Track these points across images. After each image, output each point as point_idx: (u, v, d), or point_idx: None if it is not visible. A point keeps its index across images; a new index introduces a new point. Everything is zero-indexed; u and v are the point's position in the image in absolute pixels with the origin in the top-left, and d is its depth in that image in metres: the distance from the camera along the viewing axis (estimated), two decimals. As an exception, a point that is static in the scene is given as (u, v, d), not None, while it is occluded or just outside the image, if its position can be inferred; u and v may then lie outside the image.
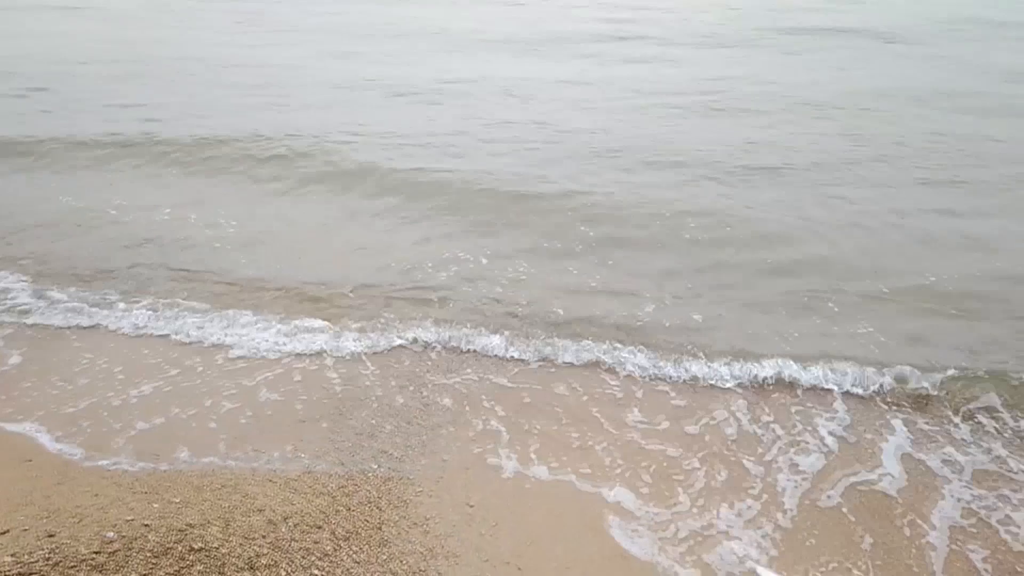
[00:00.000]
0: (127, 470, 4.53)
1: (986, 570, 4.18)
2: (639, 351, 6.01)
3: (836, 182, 9.57)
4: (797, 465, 4.91)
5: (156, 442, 4.85)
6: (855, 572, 4.14)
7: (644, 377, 5.74)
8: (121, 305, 6.52)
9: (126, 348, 5.99)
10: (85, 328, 6.24)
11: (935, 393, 5.59)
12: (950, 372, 5.76)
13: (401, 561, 3.89)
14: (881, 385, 5.64)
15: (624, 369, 5.82)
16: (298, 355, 5.91)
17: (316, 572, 3.77)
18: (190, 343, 6.05)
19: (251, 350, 5.94)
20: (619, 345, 6.09)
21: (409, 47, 19.39)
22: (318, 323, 6.31)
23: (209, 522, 4.04)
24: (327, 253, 7.70)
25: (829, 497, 4.66)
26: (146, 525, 4.00)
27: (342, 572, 3.78)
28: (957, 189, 9.38)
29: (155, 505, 4.17)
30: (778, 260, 7.57)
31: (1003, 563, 4.23)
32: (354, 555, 3.89)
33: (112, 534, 3.94)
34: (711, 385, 5.70)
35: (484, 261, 7.55)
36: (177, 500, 4.22)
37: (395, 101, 13.78)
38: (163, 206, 8.83)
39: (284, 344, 6.03)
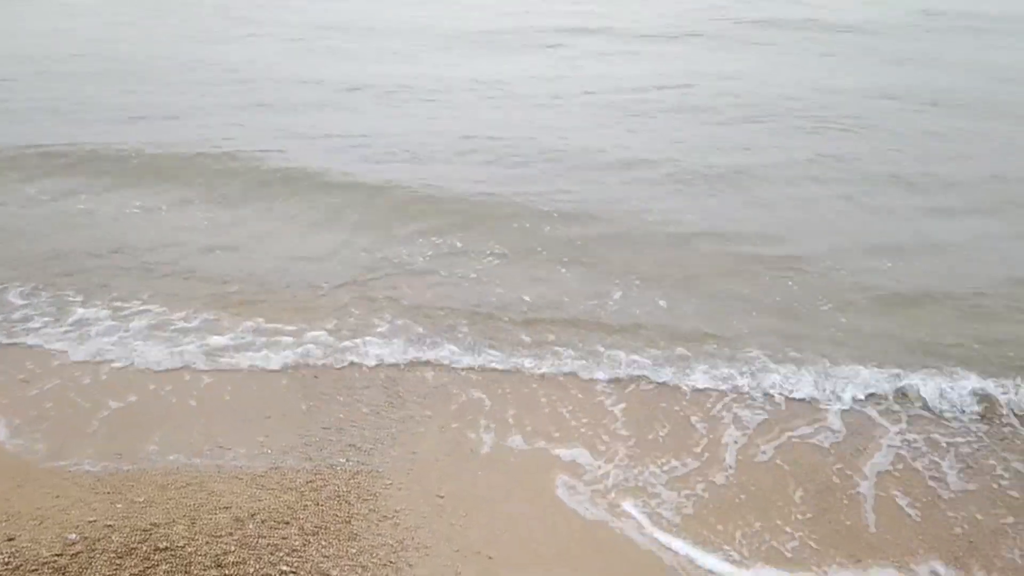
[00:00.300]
0: (89, 470, 4.44)
1: (915, 514, 4.41)
2: (609, 340, 6.07)
3: (803, 180, 9.63)
4: (742, 420, 5.20)
5: (119, 441, 4.75)
6: (785, 526, 4.30)
7: (616, 368, 5.78)
8: (79, 310, 6.37)
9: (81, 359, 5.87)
10: (35, 337, 6.08)
11: (890, 372, 5.75)
12: (906, 354, 5.97)
13: (371, 554, 3.87)
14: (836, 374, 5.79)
15: (600, 364, 5.85)
16: (265, 353, 5.83)
17: (284, 568, 3.73)
18: (152, 343, 5.94)
19: (217, 349, 5.86)
20: (588, 335, 6.14)
21: (376, 43, 19.17)
22: (287, 325, 6.24)
23: (174, 521, 3.98)
24: (291, 255, 7.55)
25: (764, 452, 4.88)
26: (109, 526, 3.93)
27: (311, 567, 3.74)
28: (926, 187, 9.43)
29: (118, 505, 4.10)
30: (742, 255, 7.62)
31: (929, 505, 4.49)
32: (323, 550, 3.86)
33: (74, 536, 3.87)
34: (675, 361, 5.82)
35: (452, 259, 7.52)
36: (141, 499, 4.15)
37: (360, 101, 13.47)
38: (124, 212, 8.64)
39: (250, 344, 5.95)
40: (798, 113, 12.63)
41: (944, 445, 5.01)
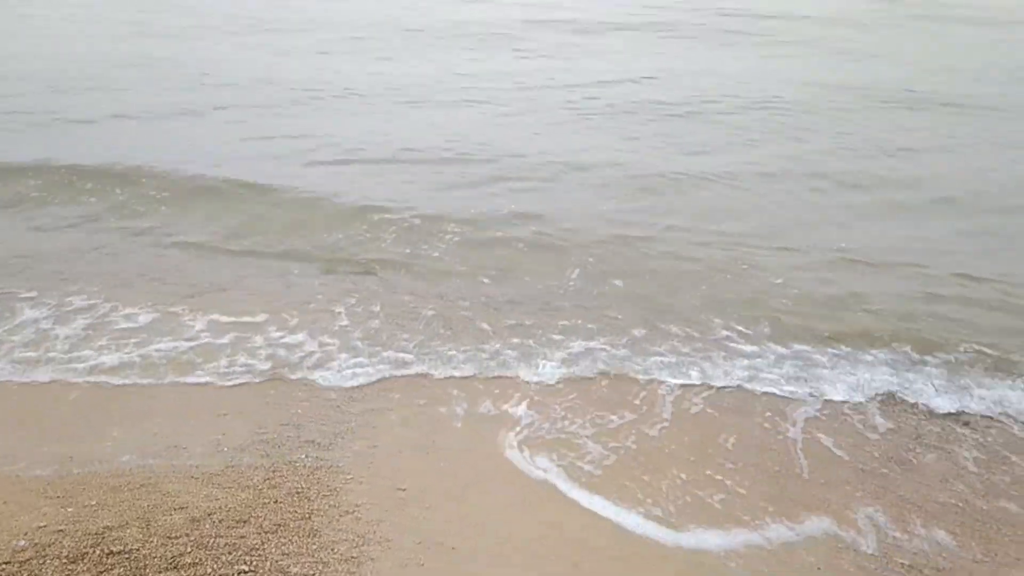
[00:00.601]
0: (38, 474, 4.31)
1: (840, 456, 4.74)
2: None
3: (760, 178, 9.69)
4: (683, 373, 5.54)
5: (70, 444, 4.62)
6: (716, 475, 4.51)
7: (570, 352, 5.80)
8: (28, 309, 6.20)
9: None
10: None
11: (830, 348, 5.99)
12: (846, 334, 6.17)
13: (332, 550, 3.81)
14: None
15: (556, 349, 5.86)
16: (227, 352, 5.72)
17: (243, 567, 3.66)
18: (107, 345, 5.80)
19: (174, 347, 5.73)
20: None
21: (329, 39, 18.82)
22: (247, 319, 6.13)
23: (127, 523, 3.89)
24: (250, 253, 7.45)
25: (696, 405, 5.20)
26: (60, 531, 3.82)
27: (270, 565, 3.68)
28: (880, 183, 9.58)
29: (69, 509, 3.99)
30: (698, 248, 7.72)
31: (855, 447, 4.82)
32: (282, 547, 3.79)
33: (23, 542, 3.76)
34: (632, 341, 5.93)
35: (411, 247, 7.48)
36: (92, 503, 4.04)
37: (311, 102, 13.02)
38: (70, 217, 8.42)
39: (209, 341, 5.83)
40: (754, 109, 12.67)
41: (871, 392, 5.41)
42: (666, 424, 5.00)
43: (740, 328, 6.15)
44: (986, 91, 14.08)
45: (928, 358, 5.81)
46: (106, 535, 3.80)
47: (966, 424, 5.12)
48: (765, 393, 5.36)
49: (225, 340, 5.80)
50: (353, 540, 3.90)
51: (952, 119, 12.34)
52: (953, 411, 5.23)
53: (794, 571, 3.87)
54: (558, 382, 5.43)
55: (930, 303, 6.62)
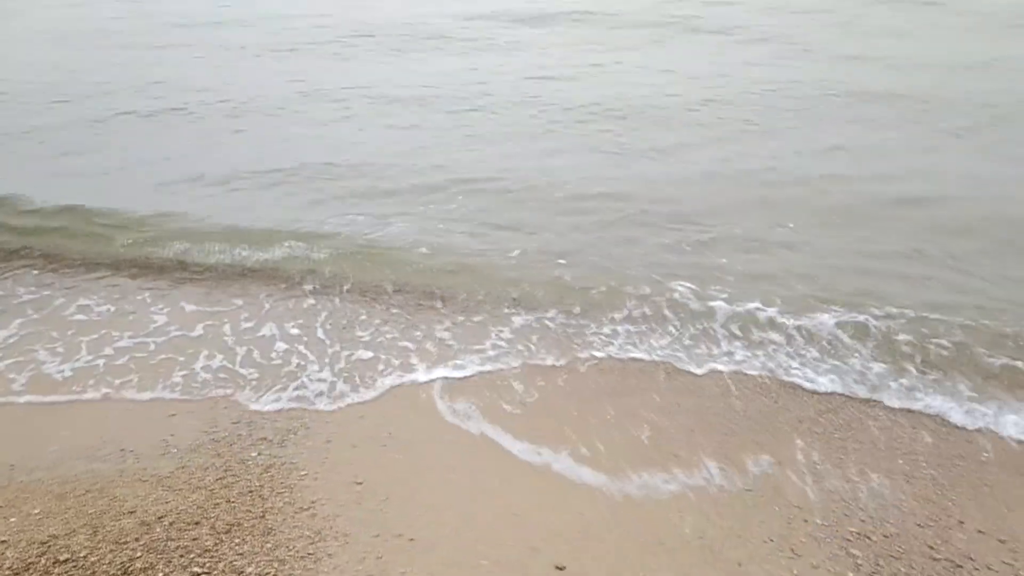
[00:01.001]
0: (-22, 486, 4.18)
1: (784, 418, 4.97)
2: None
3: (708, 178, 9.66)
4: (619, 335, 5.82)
5: (11, 452, 4.47)
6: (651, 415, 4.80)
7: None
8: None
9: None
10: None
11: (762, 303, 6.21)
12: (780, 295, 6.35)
13: (288, 547, 3.77)
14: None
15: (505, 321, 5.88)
16: (155, 341, 5.60)
17: (197, 569, 3.59)
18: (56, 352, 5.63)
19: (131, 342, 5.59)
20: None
21: (260, 40, 18.05)
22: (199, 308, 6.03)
23: (74, 531, 3.79)
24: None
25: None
26: (2, 541, 3.72)
27: (225, 566, 3.62)
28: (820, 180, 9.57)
29: (12, 519, 3.87)
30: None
31: (802, 413, 5.02)
32: (237, 547, 3.74)
33: (-36, 556, 3.64)
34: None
35: (359, 246, 7.41)
36: (37, 511, 3.93)
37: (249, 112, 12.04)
38: None
39: (162, 333, 5.71)
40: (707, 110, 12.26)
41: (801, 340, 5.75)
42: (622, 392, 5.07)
43: (684, 289, 6.36)
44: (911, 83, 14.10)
45: (870, 324, 5.91)
46: (52, 544, 3.70)
47: (911, 392, 5.25)
48: (709, 352, 5.59)
49: (192, 334, 5.68)
50: (310, 537, 3.85)
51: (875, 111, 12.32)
52: (899, 383, 5.34)
53: (746, 541, 3.94)
54: (512, 364, 5.44)
55: (867, 274, 6.73)
